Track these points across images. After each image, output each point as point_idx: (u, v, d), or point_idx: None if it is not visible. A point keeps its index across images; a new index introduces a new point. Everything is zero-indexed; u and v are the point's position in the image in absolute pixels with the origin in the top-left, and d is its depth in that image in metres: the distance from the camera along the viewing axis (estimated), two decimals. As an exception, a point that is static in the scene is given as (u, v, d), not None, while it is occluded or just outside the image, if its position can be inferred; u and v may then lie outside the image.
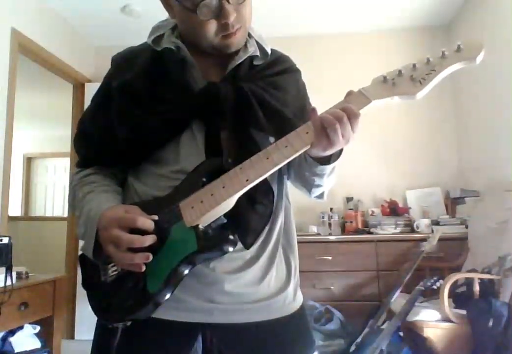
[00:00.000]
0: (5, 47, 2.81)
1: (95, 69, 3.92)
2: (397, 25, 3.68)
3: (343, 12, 3.46)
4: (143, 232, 0.69)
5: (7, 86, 2.80)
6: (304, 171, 0.83)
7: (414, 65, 0.72)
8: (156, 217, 0.71)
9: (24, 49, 3.04)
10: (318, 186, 0.87)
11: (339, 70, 3.69)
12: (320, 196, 0.93)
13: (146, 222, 0.70)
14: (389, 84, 0.72)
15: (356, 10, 3.44)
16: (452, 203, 3.29)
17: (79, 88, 3.81)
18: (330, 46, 3.77)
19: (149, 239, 0.69)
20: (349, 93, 0.74)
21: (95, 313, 0.77)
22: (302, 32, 3.74)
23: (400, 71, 0.72)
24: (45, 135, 7.10)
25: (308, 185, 0.87)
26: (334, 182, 0.88)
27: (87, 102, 3.83)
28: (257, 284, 0.81)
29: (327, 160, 0.77)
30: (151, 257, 0.67)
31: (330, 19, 3.59)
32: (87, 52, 3.92)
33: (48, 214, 7.13)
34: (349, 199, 3.45)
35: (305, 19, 3.57)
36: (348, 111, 0.68)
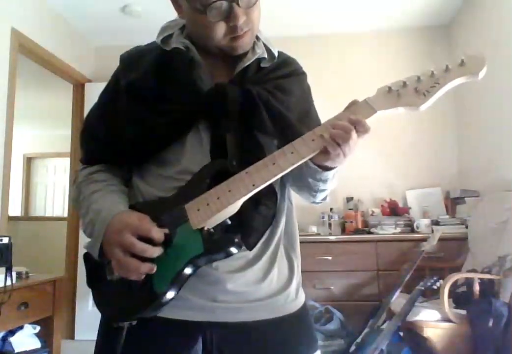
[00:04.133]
0: (5, 47, 2.81)
1: (95, 69, 3.92)
2: (397, 25, 3.68)
3: (343, 12, 3.47)
4: (151, 241, 0.70)
5: (7, 86, 2.80)
6: (307, 177, 0.84)
7: (418, 77, 0.73)
8: (167, 231, 0.72)
9: (24, 49, 3.04)
10: (323, 190, 0.88)
11: (339, 70, 3.70)
12: (324, 198, 0.93)
13: (159, 234, 0.71)
14: (394, 95, 0.74)
15: (356, 10, 3.45)
16: (452, 203, 3.29)
17: (79, 88, 3.81)
18: (330, 46, 3.77)
19: (158, 251, 0.70)
20: (354, 103, 0.75)
21: (100, 312, 0.78)
22: (302, 32, 3.74)
23: (404, 83, 0.74)
24: (45, 135, 7.11)
25: (312, 191, 0.88)
26: (336, 183, 0.89)
27: (87, 102, 3.87)
28: (259, 283, 0.81)
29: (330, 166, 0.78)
30: (155, 269, 0.69)
31: (330, 19, 3.59)
32: (87, 52, 3.92)
33: (48, 214, 7.14)
34: (349, 199, 3.45)
35: (305, 19, 3.57)
36: (359, 125, 0.71)
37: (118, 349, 0.73)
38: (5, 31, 2.81)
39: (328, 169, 0.79)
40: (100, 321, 0.84)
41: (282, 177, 0.89)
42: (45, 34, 3.25)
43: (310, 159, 0.76)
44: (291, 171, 0.88)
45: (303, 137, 0.73)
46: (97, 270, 0.78)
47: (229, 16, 0.76)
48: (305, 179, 0.85)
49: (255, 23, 0.81)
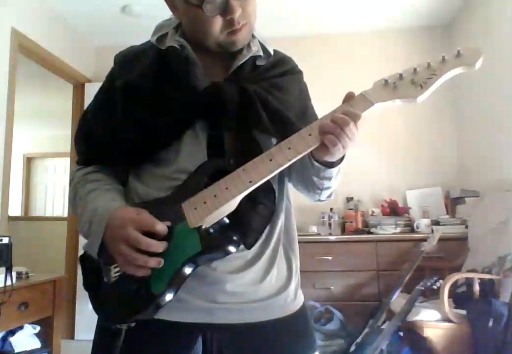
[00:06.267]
0: (5, 47, 2.81)
1: (95, 69, 3.92)
2: (397, 25, 3.68)
3: (343, 12, 3.46)
4: (154, 235, 0.69)
5: (7, 86, 2.80)
6: (311, 175, 0.84)
7: (415, 69, 0.73)
8: (169, 223, 0.71)
9: (24, 49, 3.04)
10: (328, 188, 0.87)
11: (339, 70, 3.69)
12: (329, 196, 0.93)
13: (164, 227, 0.70)
14: (390, 88, 0.73)
15: (356, 10, 3.44)
16: (452, 203, 3.29)
17: (79, 88, 3.81)
18: (330, 46, 3.77)
19: (163, 246, 0.69)
20: (351, 96, 0.74)
21: (98, 315, 0.77)
22: (302, 32, 3.74)
23: (401, 75, 0.73)
24: (45, 135, 7.10)
25: (317, 189, 0.88)
26: (340, 179, 0.88)
27: (87, 102, 3.83)
28: (258, 284, 0.81)
29: (333, 162, 0.78)
30: (162, 262, 0.68)
31: (330, 19, 3.59)
32: (87, 52, 3.92)
33: (48, 214, 7.13)
34: (349, 199, 3.45)
35: (304, 19, 3.57)
36: (350, 115, 0.70)
37: (116, 352, 0.72)
38: (5, 31, 2.81)
39: (331, 166, 0.78)
40: (97, 322, 0.83)
41: (282, 176, 0.89)
42: (45, 34, 3.25)
43: (313, 157, 0.76)
44: (295, 170, 0.88)
45: (300, 132, 0.72)
46: (94, 272, 0.78)
47: (225, 10, 0.76)
48: (309, 177, 0.85)
49: (251, 16, 0.81)
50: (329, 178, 0.83)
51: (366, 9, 3.43)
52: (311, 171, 0.82)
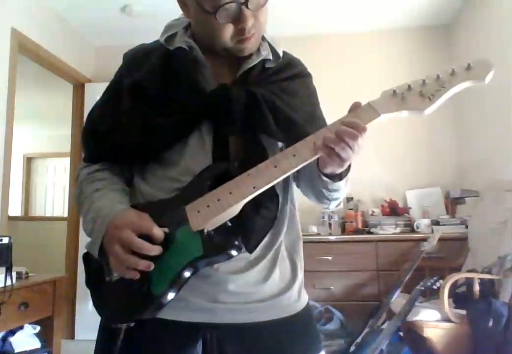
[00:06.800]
0: (5, 47, 2.81)
1: (95, 69, 3.92)
2: (397, 25, 3.68)
3: (343, 12, 3.47)
4: (150, 239, 0.70)
5: (7, 86, 2.80)
6: (320, 187, 0.84)
7: (423, 81, 0.72)
8: (167, 230, 0.72)
9: (24, 49, 3.04)
10: (336, 199, 0.88)
11: (339, 70, 3.69)
12: (338, 205, 0.94)
13: (160, 232, 0.70)
14: (398, 98, 0.72)
15: (356, 10, 3.45)
16: (452, 203, 3.29)
17: (79, 88, 3.81)
18: (330, 46, 3.77)
19: (157, 250, 0.70)
20: (357, 106, 0.73)
21: (98, 313, 0.78)
22: (302, 32, 3.73)
23: (409, 86, 0.72)
24: (45, 135, 7.10)
25: (326, 200, 0.88)
26: (348, 189, 0.89)
27: (87, 102, 3.86)
28: (261, 284, 0.81)
29: (340, 174, 0.78)
30: (152, 266, 0.68)
31: (330, 19, 3.59)
32: (87, 52, 3.91)
33: (48, 214, 7.13)
34: (349, 199, 3.45)
35: (305, 19, 3.57)
36: (357, 128, 0.69)
37: (115, 351, 0.72)
38: (5, 31, 2.81)
39: (337, 179, 0.78)
40: (100, 321, 0.84)
41: (288, 180, 0.89)
42: (45, 34, 3.25)
43: (320, 171, 0.76)
44: (304, 178, 0.88)
45: (306, 139, 0.72)
46: (96, 270, 0.78)
47: (238, 18, 0.76)
48: (318, 189, 0.85)
49: (262, 26, 0.81)
50: (337, 190, 0.83)
51: (366, 9, 3.43)
52: (319, 183, 0.82)
